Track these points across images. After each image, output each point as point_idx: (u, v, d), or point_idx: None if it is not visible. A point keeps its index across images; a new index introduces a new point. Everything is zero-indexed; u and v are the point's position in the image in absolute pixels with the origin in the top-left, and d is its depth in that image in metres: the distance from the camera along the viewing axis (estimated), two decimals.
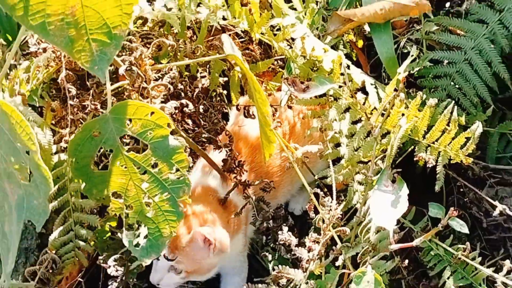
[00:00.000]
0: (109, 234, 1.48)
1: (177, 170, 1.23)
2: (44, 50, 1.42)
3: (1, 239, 1.18)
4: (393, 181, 1.42)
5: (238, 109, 1.87)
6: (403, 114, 1.61)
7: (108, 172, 1.25)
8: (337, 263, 1.49)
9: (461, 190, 1.92)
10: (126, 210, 1.28)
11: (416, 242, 1.31)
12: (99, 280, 1.76)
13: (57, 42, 0.99)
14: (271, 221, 1.71)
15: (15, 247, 1.15)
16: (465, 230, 1.35)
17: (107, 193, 1.27)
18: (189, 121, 1.81)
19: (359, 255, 1.49)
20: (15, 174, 1.12)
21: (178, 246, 1.55)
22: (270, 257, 1.84)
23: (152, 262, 1.58)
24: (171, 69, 1.48)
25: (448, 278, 1.70)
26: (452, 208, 1.30)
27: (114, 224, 1.44)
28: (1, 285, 1.49)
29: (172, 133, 1.22)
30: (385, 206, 1.35)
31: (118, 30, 1.02)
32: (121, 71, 1.30)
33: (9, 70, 1.43)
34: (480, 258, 1.68)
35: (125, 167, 1.24)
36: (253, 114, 1.75)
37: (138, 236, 1.27)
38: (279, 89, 1.82)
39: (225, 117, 1.94)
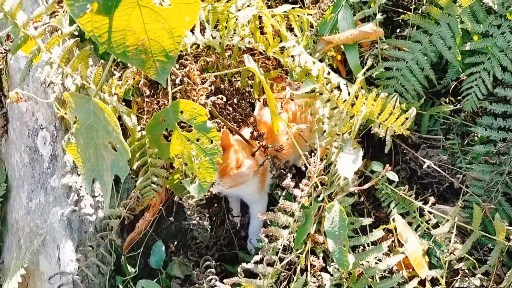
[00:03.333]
0: (177, 181, 1.53)
1: (212, 142, 1.27)
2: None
3: (103, 185, 1.23)
4: (354, 147, 1.42)
5: (259, 100, 1.89)
6: (363, 103, 1.60)
7: (171, 143, 1.29)
8: (319, 199, 1.51)
9: (404, 151, 1.91)
10: (184, 165, 1.32)
11: (366, 185, 1.33)
12: (173, 208, 1.82)
13: (134, 63, 1.03)
14: (281, 170, 1.74)
15: (109, 190, 1.22)
16: (396, 178, 1.36)
17: (171, 155, 1.31)
18: (230, 109, 1.84)
19: (333, 194, 1.51)
20: (109, 146, 1.18)
21: (226, 173, 1.59)
22: (280, 193, 1.87)
23: None
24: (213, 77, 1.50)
25: (393, 208, 1.71)
26: (387, 165, 1.30)
27: (177, 176, 1.49)
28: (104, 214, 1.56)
29: (210, 118, 1.26)
30: (348, 163, 1.36)
31: (172, 53, 1.06)
32: (177, 80, 1.33)
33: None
34: (414, 195, 1.69)
35: (181, 140, 1.28)
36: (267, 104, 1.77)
37: (194, 182, 1.32)
38: (283, 89, 1.83)
39: (253, 107, 1.95)
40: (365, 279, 1.45)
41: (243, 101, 1.87)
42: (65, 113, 1.48)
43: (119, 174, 1.19)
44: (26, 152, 1.79)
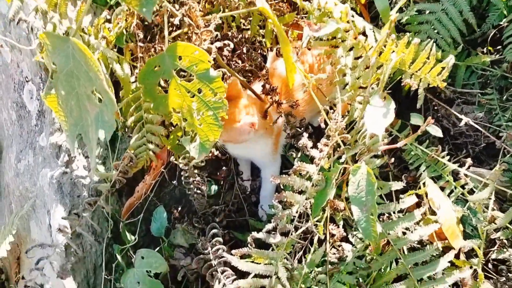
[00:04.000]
0: (177, 141, 1.34)
1: (216, 94, 1.07)
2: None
3: (88, 143, 1.05)
4: (384, 99, 1.20)
5: (271, 51, 1.67)
6: (393, 51, 1.38)
7: (168, 95, 1.09)
8: (340, 161, 1.31)
9: (436, 108, 1.69)
10: (183, 122, 1.12)
11: (400, 144, 1.12)
12: (176, 171, 1.64)
13: None
14: (296, 128, 1.55)
15: (95, 149, 1.03)
16: (439, 134, 1.15)
17: (169, 109, 1.11)
18: (238, 60, 1.62)
19: (357, 154, 1.31)
20: (92, 97, 0.98)
21: (228, 129, 1.37)
22: (294, 155, 1.68)
23: None
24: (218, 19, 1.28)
25: (424, 171, 1.51)
26: (429, 117, 1.09)
27: (180, 134, 1.29)
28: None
29: (215, 67, 1.05)
30: (377, 118, 1.15)
31: None
32: (176, 21, 1.11)
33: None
34: (448, 157, 1.48)
35: (179, 92, 1.07)
36: (282, 54, 1.55)
37: (194, 140, 1.13)
38: (299, 38, 1.60)
39: (264, 59, 1.73)
40: (393, 251, 1.26)
41: (253, 51, 1.64)
42: (42, 58, 1.28)
43: (104, 129, 1.00)
44: (13, 108, 1.61)
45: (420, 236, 1.25)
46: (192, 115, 1.10)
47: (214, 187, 1.72)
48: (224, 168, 1.77)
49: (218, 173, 1.76)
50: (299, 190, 1.33)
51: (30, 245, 1.59)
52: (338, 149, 1.31)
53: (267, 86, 1.52)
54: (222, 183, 1.76)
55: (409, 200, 1.28)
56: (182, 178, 1.47)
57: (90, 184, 1.49)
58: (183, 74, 1.14)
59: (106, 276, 1.47)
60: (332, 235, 1.40)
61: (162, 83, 1.17)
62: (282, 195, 1.31)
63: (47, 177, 1.47)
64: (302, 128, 1.57)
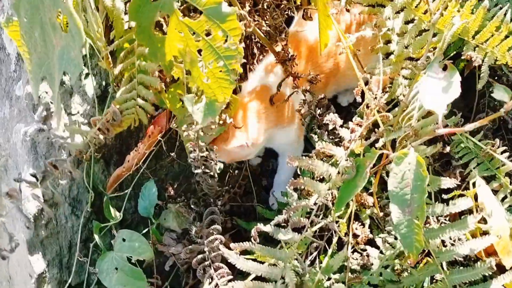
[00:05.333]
0: (178, 100, 1.06)
1: (229, 38, 0.79)
2: None
3: (52, 87, 0.79)
4: (444, 69, 0.92)
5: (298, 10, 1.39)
6: (455, 15, 1.08)
7: (167, 37, 0.82)
8: (377, 145, 1.03)
9: (492, 94, 1.39)
10: (186, 75, 0.86)
11: (469, 127, 0.83)
12: (176, 141, 1.38)
13: None
14: (315, 108, 1.27)
15: (56, 94, 0.77)
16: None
17: (168, 57, 0.84)
18: (257, 18, 1.35)
19: (399, 139, 1.03)
20: (58, 26, 0.72)
21: (220, 148, 1.18)
22: (316, 138, 1.40)
23: None
24: None
25: (474, 168, 1.22)
26: None
27: (181, 91, 1.01)
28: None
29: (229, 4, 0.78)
30: (436, 92, 0.87)
31: None
32: None
33: None
34: (507, 154, 1.19)
35: (182, 33, 0.80)
36: (310, 16, 1.27)
37: (200, 100, 0.86)
38: None
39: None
40: (432, 265, 0.99)
41: (276, 8, 1.36)
42: None
43: (68, 70, 0.74)
44: None
45: (471, 250, 0.97)
46: (197, 66, 0.83)
47: (219, 165, 1.45)
48: None
49: None
50: (322, 177, 1.06)
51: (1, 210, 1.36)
52: (376, 130, 1.03)
53: (283, 52, 1.24)
54: None
55: (462, 202, 1.00)
56: (188, 152, 1.20)
57: (72, 147, 1.24)
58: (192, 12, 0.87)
59: (79, 258, 1.23)
60: (355, 236, 1.13)
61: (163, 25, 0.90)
62: (299, 182, 1.05)
63: (21, 133, 1.23)
64: (323, 108, 1.29)
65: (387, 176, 1.27)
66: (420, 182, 0.81)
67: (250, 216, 1.48)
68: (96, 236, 1.21)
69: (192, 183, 1.43)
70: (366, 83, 1.15)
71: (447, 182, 0.98)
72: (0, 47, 1.32)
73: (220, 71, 0.83)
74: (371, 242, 1.15)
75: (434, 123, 0.98)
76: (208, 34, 0.82)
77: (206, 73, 0.84)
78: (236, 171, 1.51)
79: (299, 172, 1.30)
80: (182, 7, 0.86)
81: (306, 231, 1.03)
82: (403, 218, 0.82)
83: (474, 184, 1.18)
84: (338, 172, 1.03)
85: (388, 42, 1.19)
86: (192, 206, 1.29)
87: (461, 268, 1.00)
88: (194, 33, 0.82)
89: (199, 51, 0.82)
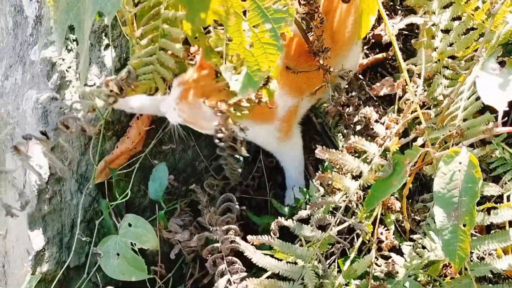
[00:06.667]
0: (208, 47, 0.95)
1: None
2: None
3: (80, 39, 0.71)
4: (502, 66, 0.83)
5: None
6: (510, 12, 1.00)
7: None
8: (415, 143, 0.95)
9: None
10: (226, 41, 0.77)
11: None
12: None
13: None
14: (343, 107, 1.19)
15: (85, 44, 0.68)
16: None
17: (209, 20, 0.76)
18: None
19: (440, 139, 0.95)
20: None
21: (187, 99, 1.01)
22: (341, 136, 1.32)
23: None
24: None
25: (509, 180, 1.13)
26: None
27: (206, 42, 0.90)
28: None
29: None
30: (493, 88, 0.78)
31: None
32: None
33: None
34: None
35: None
36: None
37: (239, 70, 0.78)
38: None
39: None
40: (466, 279, 0.90)
41: None
42: None
43: (104, 9, 0.65)
44: (10, 14, 1.28)
45: (510, 266, 0.88)
46: (241, 29, 0.74)
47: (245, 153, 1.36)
48: None
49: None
50: (351, 173, 0.97)
51: (3, 182, 1.28)
52: (418, 127, 0.95)
53: (318, 43, 1.14)
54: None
55: (506, 213, 0.91)
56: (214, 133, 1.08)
57: (86, 120, 1.15)
58: None
59: (81, 237, 1.14)
60: (380, 241, 1.04)
61: None
62: (326, 177, 0.96)
63: (32, 100, 1.14)
64: (351, 106, 1.20)
65: (423, 178, 1.20)
66: (471, 184, 0.73)
67: (262, 210, 1.39)
68: (105, 213, 1.12)
69: (209, 172, 1.33)
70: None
71: (492, 189, 0.90)
72: (18, 9, 1.24)
73: (267, 35, 0.74)
74: (395, 250, 1.06)
75: (482, 124, 0.89)
76: None
77: (250, 37, 0.75)
78: (251, 164, 1.42)
79: (320, 167, 1.22)
80: None
81: (331, 229, 0.95)
82: (447, 223, 0.74)
83: (508, 197, 1.10)
84: (370, 170, 0.95)
85: (432, 37, 1.11)
86: (206, 188, 1.20)
87: (490, 285, 0.91)
88: None
89: (244, 13, 0.73)
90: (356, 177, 0.99)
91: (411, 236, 1.09)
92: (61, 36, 0.73)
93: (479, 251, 0.95)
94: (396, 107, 1.24)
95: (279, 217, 0.97)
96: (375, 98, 1.45)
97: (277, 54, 0.75)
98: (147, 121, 1.21)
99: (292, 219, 0.95)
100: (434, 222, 0.92)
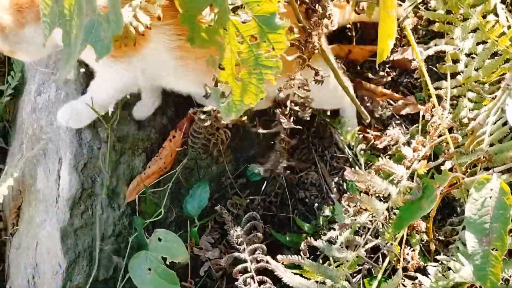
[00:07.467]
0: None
1: (273, 49, 0.80)
2: None
3: (66, 45, 0.77)
4: None
5: None
6: None
7: (211, 28, 0.80)
8: (443, 167, 0.97)
9: None
10: (218, 67, 0.84)
11: None
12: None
13: None
14: None
15: (74, 59, 0.74)
16: None
17: (206, 46, 0.82)
18: None
19: (466, 164, 0.97)
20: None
21: None
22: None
23: None
24: None
25: None
26: None
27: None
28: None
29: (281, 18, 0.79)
30: None
31: None
32: None
33: None
34: None
35: (226, 30, 0.79)
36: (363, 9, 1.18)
37: (227, 96, 0.86)
38: None
39: None
40: None
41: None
42: None
43: (96, 48, 0.70)
44: None
45: None
46: (233, 64, 0.82)
47: (259, 171, 1.39)
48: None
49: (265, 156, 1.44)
50: (379, 195, 1.00)
51: (34, 195, 1.31)
52: (447, 152, 0.97)
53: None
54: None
55: None
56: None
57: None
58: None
59: (109, 250, 1.17)
60: (406, 261, 1.06)
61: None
62: (355, 198, 0.99)
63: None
64: None
65: (446, 199, 1.22)
66: (503, 211, 0.75)
67: (285, 228, 1.42)
68: (139, 230, 1.15)
69: (231, 189, 1.36)
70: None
71: None
72: None
73: (254, 77, 0.82)
74: (418, 270, 1.08)
75: (510, 149, 0.91)
76: (252, 38, 0.81)
77: (240, 74, 0.83)
78: (274, 180, 1.45)
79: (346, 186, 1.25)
80: (232, 5, 0.83)
81: (359, 249, 0.97)
82: (479, 248, 0.76)
83: None
84: (398, 192, 0.97)
85: (456, 61, 1.14)
86: (229, 207, 1.23)
87: None
88: (239, 33, 0.81)
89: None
90: (383, 198, 1.01)
91: (435, 257, 1.11)
92: (49, 30, 0.77)
93: (506, 273, 0.97)
94: (420, 127, 1.27)
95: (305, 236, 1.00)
96: (397, 116, 1.48)
97: (259, 96, 0.82)
98: (179, 142, 1.24)
99: (322, 240, 0.97)
100: (464, 246, 0.95)
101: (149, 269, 1.11)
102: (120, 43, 0.90)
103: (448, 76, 1.11)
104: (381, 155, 1.35)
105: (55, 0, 0.75)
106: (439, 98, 1.09)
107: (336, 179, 1.43)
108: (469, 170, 0.97)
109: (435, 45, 1.17)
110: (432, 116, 1.03)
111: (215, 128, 1.19)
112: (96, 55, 0.72)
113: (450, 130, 1.10)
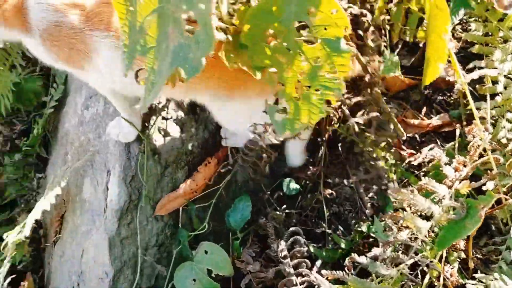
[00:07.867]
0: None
1: (335, 72, 0.82)
2: None
3: (151, 75, 0.80)
4: None
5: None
6: None
7: (274, 48, 0.84)
8: (485, 188, 1.00)
9: None
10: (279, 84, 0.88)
11: None
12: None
13: None
14: None
15: (160, 85, 0.77)
16: None
17: (264, 64, 0.86)
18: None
19: (509, 185, 0.99)
20: (180, 22, 0.73)
21: None
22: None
23: None
24: None
25: None
26: None
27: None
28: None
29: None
30: None
31: None
32: None
33: None
34: None
35: (289, 50, 0.82)
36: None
37: (284, 111, 0.88)
38: None
39: None
40: None
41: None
42: None
43: (184, 69, 0.74)
44: None
45: None
46: (293, 83, 0.85)
47: (294, 186, 1.43)
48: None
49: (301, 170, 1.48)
50: (422, 213, 1.02)
51: (79, 205, 1.36)
52: (488, 172, 1.00)
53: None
54: (304, 182, 1.47)
55: None
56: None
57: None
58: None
59: (153, 260, 1.21)
60: (446, 278, 1.08)
61: None
62: (398, 216, 1.02)
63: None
64: None
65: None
66: None
67: (319, 241, 1.44)
68: (183, 242, 1.20)
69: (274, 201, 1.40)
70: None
71: None
72: None
73: (315, 97, 0.85)
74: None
75: None
76: (317, 60, 0.84)
77: (300, 93, 0.85)
78: (310, 194, 1.48)
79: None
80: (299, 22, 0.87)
81: (404, 268, 1.00)
82: None
83: None
84: (441, 211, 1.00)
85: (495, 82, 1.17)
86: (271, 221, 1.26)
87: None
88: (302, 53, 0.84)
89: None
90: (424, 216, 1.04)
91: (473, 275, 1.13)
92: (129, 60, 0.81)
93: None
94: (456, 145, 1.30)
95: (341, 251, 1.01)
96: (431, 134, 1.51)
97: (318, 115, 0.85)
98: (213, 170, 1.28)
99: (366, 256, 1.00)
100: (507, 265, 0.97)
101: (194, 280, 1.15)
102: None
103: (488, 98, 1.13)
104: (416, 171, 1.37)
105: (135, 29, 0.79)
106: (479, 118, 1.12)
107: (370, 194, 1.46)
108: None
109: (474, 66, 1.20)
110: (474, 136, 1.05)
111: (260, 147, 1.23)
112: (184, 76, 0.75)
113: (492, 151, 1.13)
